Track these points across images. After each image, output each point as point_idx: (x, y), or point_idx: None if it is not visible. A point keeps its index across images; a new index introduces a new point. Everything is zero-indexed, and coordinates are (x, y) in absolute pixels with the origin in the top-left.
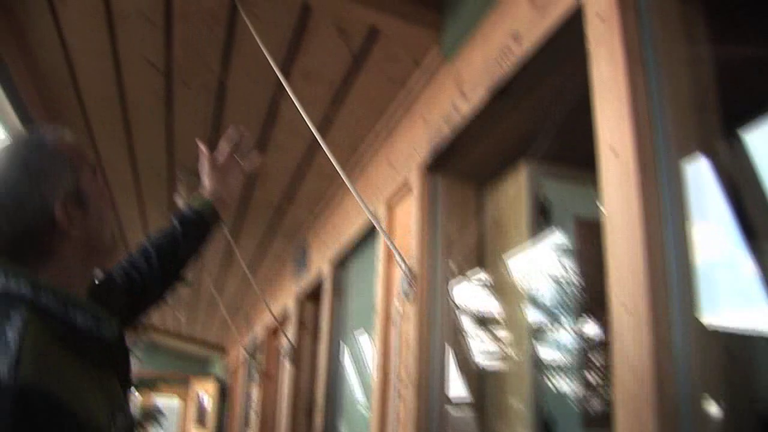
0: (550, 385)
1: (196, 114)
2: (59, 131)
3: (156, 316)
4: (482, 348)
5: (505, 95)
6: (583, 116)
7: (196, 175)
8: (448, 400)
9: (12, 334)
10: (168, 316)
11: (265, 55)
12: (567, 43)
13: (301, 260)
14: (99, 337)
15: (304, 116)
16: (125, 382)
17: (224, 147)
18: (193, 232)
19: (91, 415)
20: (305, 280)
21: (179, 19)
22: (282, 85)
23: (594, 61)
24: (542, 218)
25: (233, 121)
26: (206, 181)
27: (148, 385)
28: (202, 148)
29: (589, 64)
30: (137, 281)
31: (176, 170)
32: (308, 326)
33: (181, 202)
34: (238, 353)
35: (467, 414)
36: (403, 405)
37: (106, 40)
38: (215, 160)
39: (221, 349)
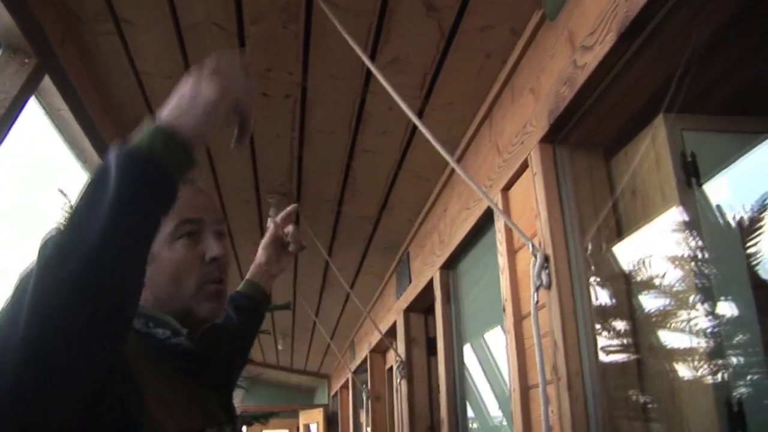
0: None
1: (280, 127)
2: None
3: (256, 351)
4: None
5: (641, 34)
6: (736, 52)
7: (285, 196)
8: (608, 398)
9: None
10: (268, 348)
11: (346, 49)
12: None
13: (404, 273)
14: (176, 345)
15: (401, 104)
16: (226, 402)
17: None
18: (248, 321)
19: (158, 421)
20: (410, 293)
21: (252, 22)
22: (368, 81)
23: None
24: (690, 176)
25: (319, 128)
26: (263, 254)
27: (260, 420)
28: (276, 219)
29: None
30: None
31: (266, 195)
32: (418, 340)
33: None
34: (343, 379)
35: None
36: (557, 409)
37: (179, 57)
38: (279, 235)
39: (324, 377)
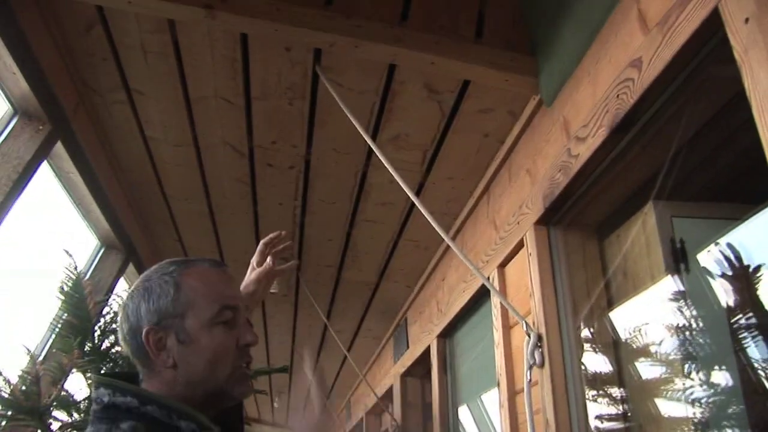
0: None
1: (283, 195)
2: (207, 267)
3: (252, 408)
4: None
5: (631, 129)
6: (716, 143)
7: (287, 261)
8: None
9: None
10: (264, 405)
11: (350, 126)
12: (699, 59)
13: (402, 338)
14: None
15: (400, 182)
16: None
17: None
18: None
19: None
20: (407, 358)
21: (259, 98)
22: (370, 155)
23: (746, 70)
24: (679, 261)
25: (321, 198)
26: (255, 284)
27: None
28: (269, 260)
29: (741, 73)
30: None
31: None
32: (414, 404)
33: (275, 290)
34: None
35: None
36: None
37: (187, 127)
38: (270, 269)
39: None
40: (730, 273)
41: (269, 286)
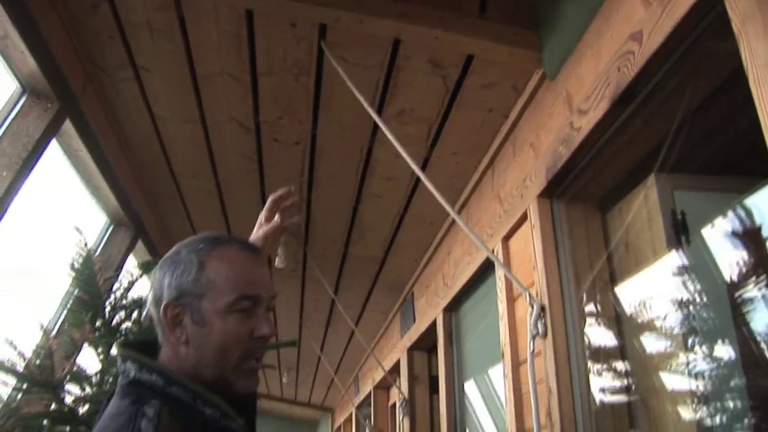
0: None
1: (289, 171)
2: (236, 251)
3: (261, 383)
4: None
5: (632, 102)
6: (718, 116)
7: (294, 236)
8: None
9: (145, 424)
10: (272, 381)
11: (355, 101)
12: (699, 32)
13: (408, 312)
14: (225, 427)
15: (405, 157)
16: None
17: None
18: None
19: None
20: (414, 332)
21: (265, 74)
22: (375, 130)
23: (743, 42)
24: (680, 233)
25: (328, 173)
26: (263, 241)
27: None
28: (277, 217)
29: (739, 45)
30: None
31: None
32: (421, 378)
33: (282, 265)
34: (347, 413)
35: None
36: None
37: (193, 103)
38: (278, 225)
39: (328, 410)
40: (731, 245)
41: (277, 243)
